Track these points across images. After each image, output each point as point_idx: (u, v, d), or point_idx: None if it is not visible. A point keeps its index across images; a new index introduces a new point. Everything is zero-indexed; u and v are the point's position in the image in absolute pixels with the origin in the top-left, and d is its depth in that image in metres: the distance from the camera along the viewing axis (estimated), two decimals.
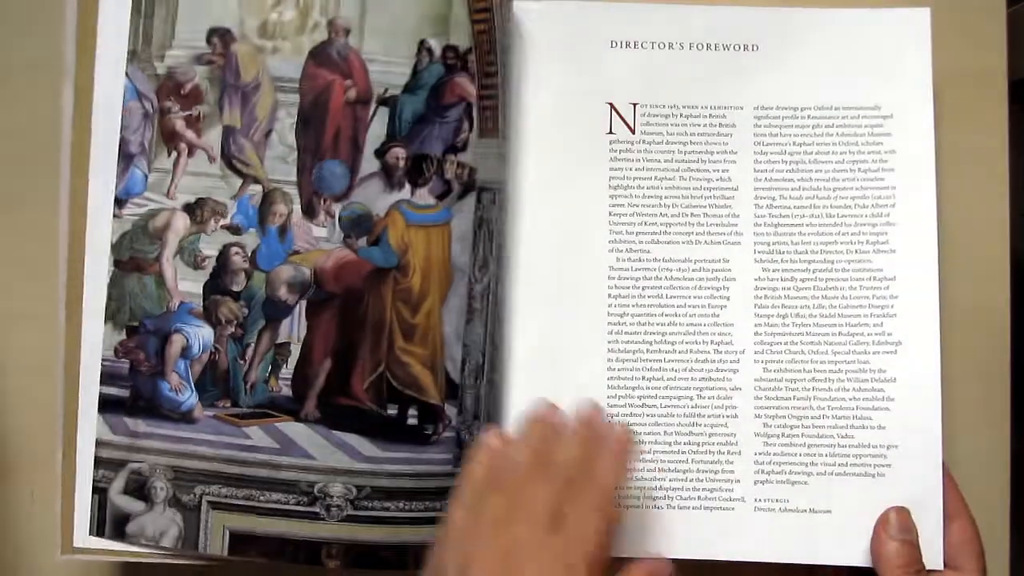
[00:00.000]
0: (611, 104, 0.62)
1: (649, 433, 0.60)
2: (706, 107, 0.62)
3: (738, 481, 0.59)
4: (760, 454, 0.60)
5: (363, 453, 0.60)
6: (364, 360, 0.60)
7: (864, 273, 0.60)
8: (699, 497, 0.60)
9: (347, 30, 0.60)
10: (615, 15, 0.62)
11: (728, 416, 0.60)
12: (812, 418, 0.60)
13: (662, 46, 0.62)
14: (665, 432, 0.60)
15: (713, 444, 0.60)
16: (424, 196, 0.60)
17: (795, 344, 0.60)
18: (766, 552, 0.59)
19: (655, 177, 0.62)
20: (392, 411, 0.60)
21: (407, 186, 0.60)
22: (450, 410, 0.60)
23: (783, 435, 0.60)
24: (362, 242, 0.60)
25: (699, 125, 0.62)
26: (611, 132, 0.62)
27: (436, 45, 0.60)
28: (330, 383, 0.60)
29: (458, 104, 0.60)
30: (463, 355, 0.60)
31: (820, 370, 0.60)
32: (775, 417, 0.60)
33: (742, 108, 0.62)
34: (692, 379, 0.60)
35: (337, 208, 0.60)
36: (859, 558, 0.58)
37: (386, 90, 0.60)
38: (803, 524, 0.59)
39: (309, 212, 0.60)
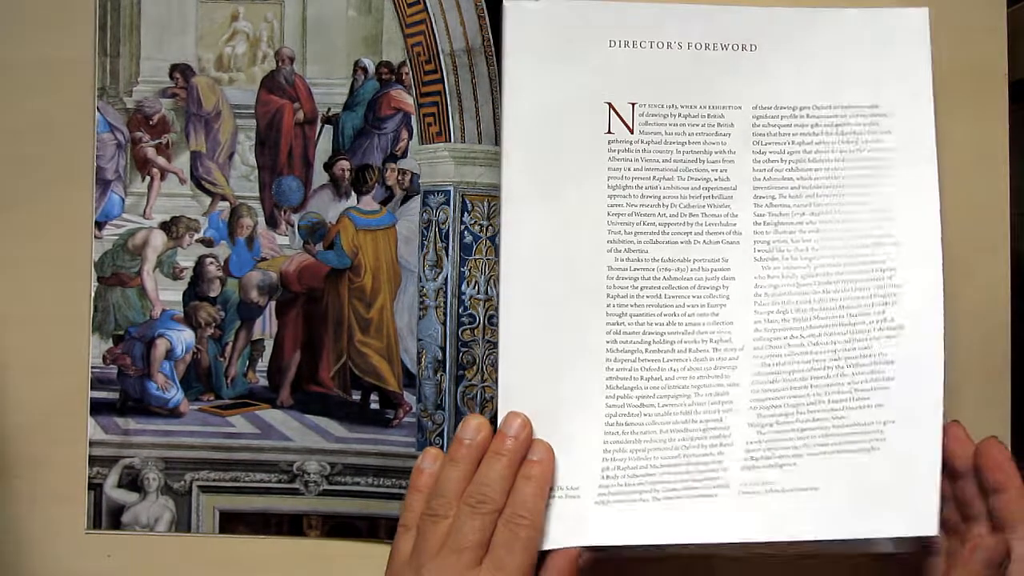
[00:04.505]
0: (610, 104, 0.55)
1: (645, 432, 0.54)
2: (704, 107, 0.55)
3: (725, 469, 0.54)
4: (752, 443, 0.54)
5: (334, 434, 0.59)
6: (328, 351, 0.60)
7: (867, 265, 0.55)
8: (685, 487, 0.54)
9: (291, 58, 0.59)
10: (614, 15, 0.56)
11: (724, 411, 0.54)
12: (807, 404, 0.55)
13: (661, 46, 0.56)
14: (661, 430, 0.54)
15: (706, 438, 0.54)
16: (369, 203, 0.59)
17: (795, 338, 0.55)
18: (750, 532, 0.54)
19: (654, 177, 0.55)
20: (356, 396, 0.59)
21: (353, 194, 0.59)
22: (409, 398, 0.59)
23: (777, 423, 0.54)
24: (319, 247, 0.60)
25: (697, 125, 0.55)
26: (610, 132, 0.55)
27: (370, 64, 0.59)
28: (301, 373, 0.60)
29: (395, 115, 0.59)
30: (418, 348, 0.59)
31: (819, 360, 0.55)
32: (771, 408, 0.55)
33: (740, 108, 0.56)
34: (690, 377, 0.54)
35: (295, 218, 0.60)
36: (844, 531, 0.54)
37: (329, 109, 0.59)
38: (788, 503, 0.54)
39: (272, 223, 0.60)
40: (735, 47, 0.56)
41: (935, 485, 0.53)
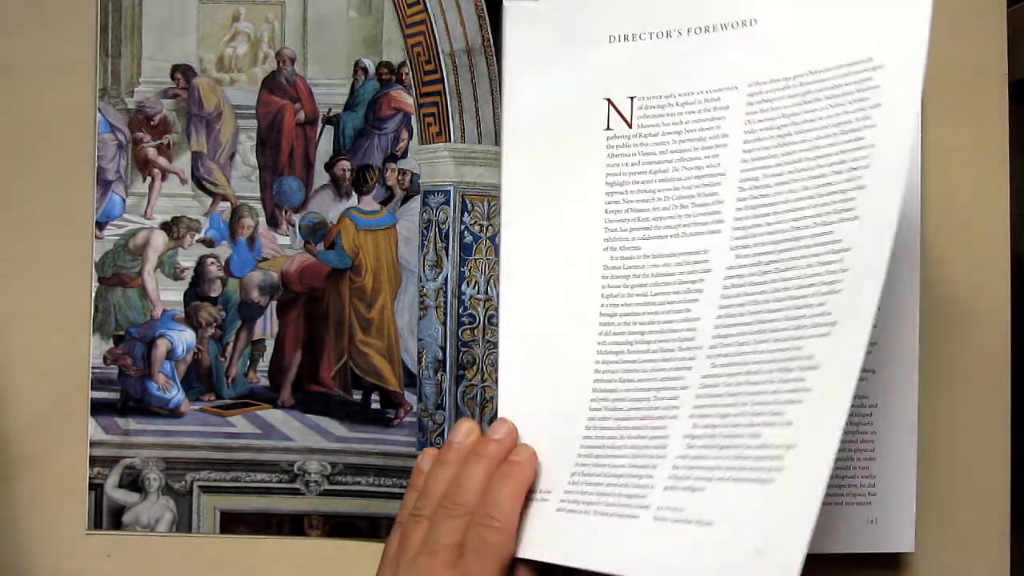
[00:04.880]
0: (609, 100, 0.54)
1: (611, 438, 0.50)
2: (701, 92, 0.52)
3: (652, 487, 0.46)
4: (680, 457, 0.47)
5: (334, 434, 0.59)
6: (329, 351, 0.59)
7: (823, 247, 0.47)
8: (622, 503, 0.47)
9: (292, 59, 0.59)
10: (613, 9, 0.54)
11: (669, 417, 0.48)
12: (733, 415, 0.46)
13: (660, 35, 0.53)
14: (621, 436, 0.49)
15: (650, 448, 0.48)
16: (369, 203, 0.59)
17: (744, 335, 0.48)
18: (649, 569, 0.45)
19: (650, 171, 0.53)
20: (357, 396, 0.59)
21: (354, 195, 0.59)
22: (410, 397, 0.59)
23: (706, 436, 0.46)
24: (320, 247, 0.59)
25: (694, 112, 0.52)
26: (609, 128, 0.54)
27: (370, 64, 0.59)
28: (301, 373, 0.59)
29: (395, 115, 0.59)
30: (419, 348, 0.59)
31: (758, 362, 0.47)
32: (704, 416, 0.47)
33: (736, 88, 0.52)
34: (653, 379, 0.50)
35: (296, 218, 0.59)
36: None
37: (330, 110, 0.59)
38: (683, 539, 0.44)
39: (273, 223, 0.59)
40: (734, 25, 0.52)
41: (803, 541, 0.40)
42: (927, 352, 0.57)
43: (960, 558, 0.58)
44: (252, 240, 0.59)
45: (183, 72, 0.59)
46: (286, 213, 0.59)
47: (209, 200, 0.59)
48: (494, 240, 0.57)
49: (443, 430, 0.58)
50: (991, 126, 0.59)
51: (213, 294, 0.59)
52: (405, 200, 0.59)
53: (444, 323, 0.58)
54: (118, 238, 0.59)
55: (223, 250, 0.59)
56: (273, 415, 0.59)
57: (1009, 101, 0.59)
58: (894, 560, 0.58)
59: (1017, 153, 0.59)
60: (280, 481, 0.59)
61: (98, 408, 0.58)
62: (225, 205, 0.59)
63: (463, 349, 0.58)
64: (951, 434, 0.58)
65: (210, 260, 0.59)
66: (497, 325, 0.55)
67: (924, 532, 0.57)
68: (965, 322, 0.59)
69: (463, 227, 0.58)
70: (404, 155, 0.59)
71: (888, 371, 0.56)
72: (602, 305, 0.52)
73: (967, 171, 0.59)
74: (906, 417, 0.56)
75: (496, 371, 0.54)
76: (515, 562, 0.48)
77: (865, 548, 0.55)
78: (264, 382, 0.59)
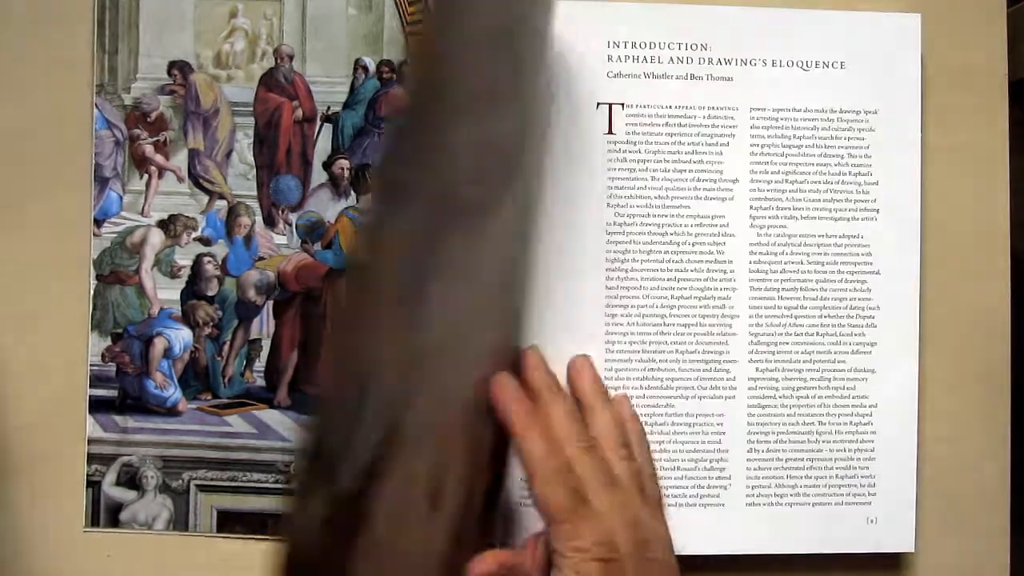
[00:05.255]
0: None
1: None
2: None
3: None
4: None
5: None
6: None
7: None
8: None
9: (291, 56, 0.59)
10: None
11: None
12: None
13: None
14: None
15: None
16: None
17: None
18: None
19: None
20: None
21: (352, 194, 0.59)
22: None
23: None
24: (317, 246, 0.59)
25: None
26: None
27: (371, 62, 0.59)
28: (298, 373, 0.59)
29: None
30: None
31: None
32: None
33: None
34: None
35: (294, 217, 0.59)
36: None
37: (329, 108, 0.59)
38: None
39: (270, 222, 0.59)
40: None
41: None
42: (927, 352, 0.57)
43: (960, 558, 0.58)
44: (249, 239, 0.59)
45: (180, 68, 0.59)
46: (283, 212, 0.59)
47: (206, 198, 0.59)
48: None
49: None
50: (991, 126, 0.59)
51: (210, 293, 0.59)
52: None
53: None
54: (115, 236, 0.58)
55: (220, 249, 0.59)
56: (269, 415, 0.59)
57: (1009, 101, 0.59)
58: (894, 560, 0.58)
59: (1017, 153, 0.59)
60: (276, 481, 0.58)
61: (96, 406, 0.58)
62: (222, 204, 0.59)
63: None
64: (951, 434, 0.58)
65: (207, 259, 0.59)
66: None
67: (924, 532, 0.57)
68: (965, 322, 0.59)
69: None
70: None
71: (888, 371, 0.56)
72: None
73: (967, 171, 0.59)
74: (906, 416, 0.56)
75: None
76: None
77: (865, 548, 0.56)
78: (261, 382, 0.59)
